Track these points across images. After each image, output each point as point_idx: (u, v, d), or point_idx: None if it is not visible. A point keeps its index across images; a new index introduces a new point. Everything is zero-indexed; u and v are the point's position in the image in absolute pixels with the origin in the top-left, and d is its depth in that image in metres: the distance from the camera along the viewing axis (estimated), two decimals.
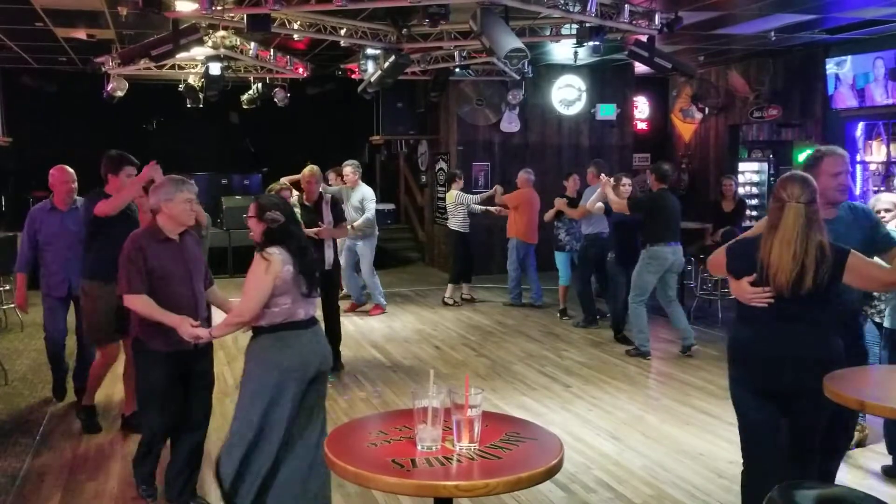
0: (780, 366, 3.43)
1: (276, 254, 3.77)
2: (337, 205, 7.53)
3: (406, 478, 2.31)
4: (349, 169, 10.02)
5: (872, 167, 11.90)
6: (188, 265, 4.31)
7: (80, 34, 10.51)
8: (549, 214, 9.67)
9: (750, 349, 3.55)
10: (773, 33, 10.70)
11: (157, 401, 4.24)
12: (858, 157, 12.11)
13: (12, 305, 9.22)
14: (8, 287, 9.43)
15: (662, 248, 7.58)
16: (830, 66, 11.91)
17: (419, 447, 2.47)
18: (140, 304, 4.09)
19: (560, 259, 9.70)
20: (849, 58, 11.63)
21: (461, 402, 2.47)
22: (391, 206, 16.50)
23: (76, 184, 5.93)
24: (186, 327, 3.99)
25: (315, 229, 7.01)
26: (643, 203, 7.70)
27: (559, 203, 9.37)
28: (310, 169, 7.57)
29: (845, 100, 11.80)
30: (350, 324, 9.72)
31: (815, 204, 3.38)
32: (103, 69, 11.45)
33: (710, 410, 6.15)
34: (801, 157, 12.57)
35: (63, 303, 6.13)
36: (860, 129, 12.01)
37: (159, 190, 4.25)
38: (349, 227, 8.87)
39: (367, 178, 12.12)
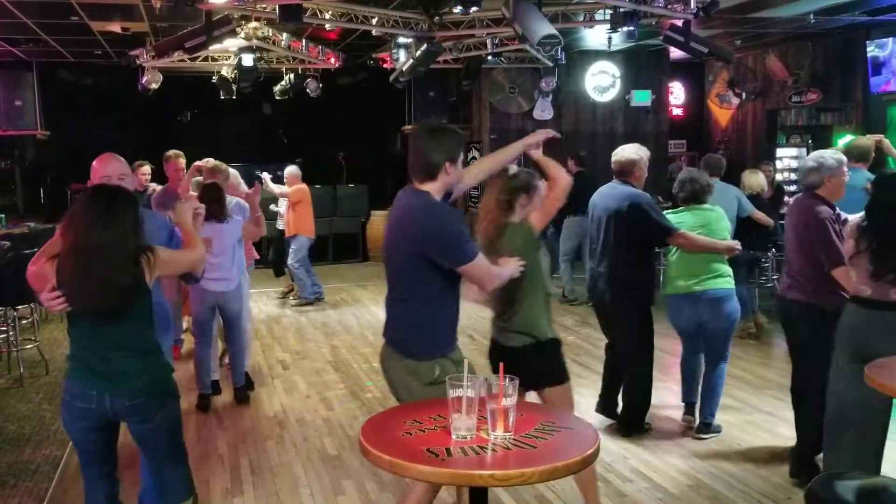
0: None
1: None
2: None
3: (441, 467, 2.30)
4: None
5: None
6: None
7: (115, 27, 10.61)
8: None
9: None
10: (812, 16, 10.49)
11: None
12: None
13: None
14: None
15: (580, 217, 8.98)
16: (871, 49, 11.66)
17: (454, 436, 2.45)
18: None
19: None
20: (890, 40, 11.38)
21: (496, 391, 2.45)
22: None
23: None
24: None
25: None
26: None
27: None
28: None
29: (887, 83, 11.56)
30: (383, 313, 9.71)
31: None
32: (138, 62, 11.55)
33: (748, 400, 6.07)
34: (841, 142, 12.33)
35: None
36: None
37: None
38: None
39: (401, 168, 12.09)
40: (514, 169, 3.97)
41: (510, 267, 3.53)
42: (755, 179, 8.38)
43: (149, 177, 7.69)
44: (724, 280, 5.20)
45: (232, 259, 6.08)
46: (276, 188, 9.75)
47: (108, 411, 3.24)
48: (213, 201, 5.80)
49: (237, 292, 6.18)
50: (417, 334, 3.35)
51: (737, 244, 5.19)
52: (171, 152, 7.24)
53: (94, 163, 3.82)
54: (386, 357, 3.48)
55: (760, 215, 7.63)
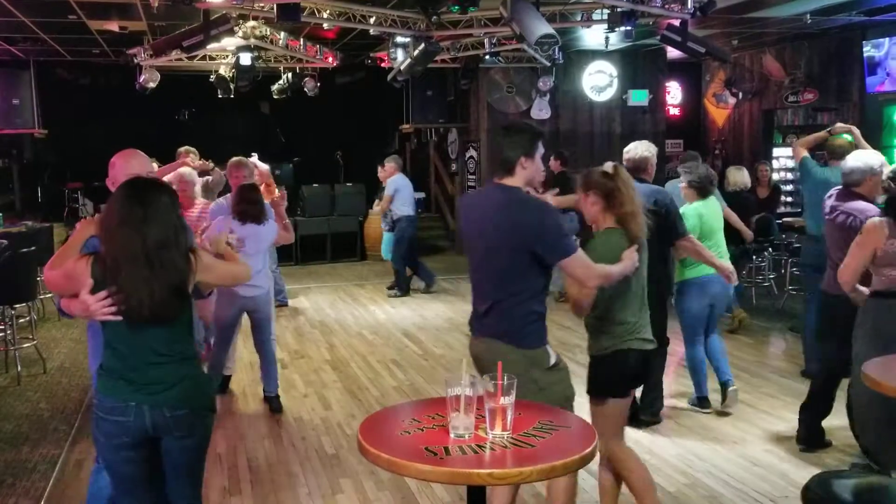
0: None
1: None
2: None
3: (439, 465, 2.30)
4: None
5: None
6: None
7: (113, 26, 10.60)
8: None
9: None
10: (808, 16, 10.51)
11: None
12: None
13: (49, 295, 9.38)
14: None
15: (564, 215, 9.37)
16: (868, 49, 11.68)
17: (452, 435, 2.46)
18: None
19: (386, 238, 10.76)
20: (886, 40, 11.40)
21: (494, 390, 2.46)
22: (421, 195, 16.49)
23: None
24: None
25: None
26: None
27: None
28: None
29: (883, 83, 11.58)
30: (381, 312, 9.76)
31: None
32: (136, 61, 11.55)
33: (744, 398, 6.08)
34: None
35: None
36: None
37: None
38: None
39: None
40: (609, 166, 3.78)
41: (622, 264, 3.47)
42: (739, 176, 8.44)
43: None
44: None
45: (264, 263, 5.88)
46: (264, 167, 9.47)
47: (146, 425, 2.93)
48: (253, 203, 5.71)
49: (267, 297, 6.00)
50: (530, 327, 3.40)
51: (731, 271, 5.35)
52: (184, 148, 7.13)
53: (115, 159, 3.53)
54: (492, 351, 3.36)
55: (730, 213, 7.59)
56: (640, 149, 5.39)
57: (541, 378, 3.36)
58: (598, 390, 3.75)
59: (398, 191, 10.49)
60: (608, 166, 3.70)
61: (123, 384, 2.94)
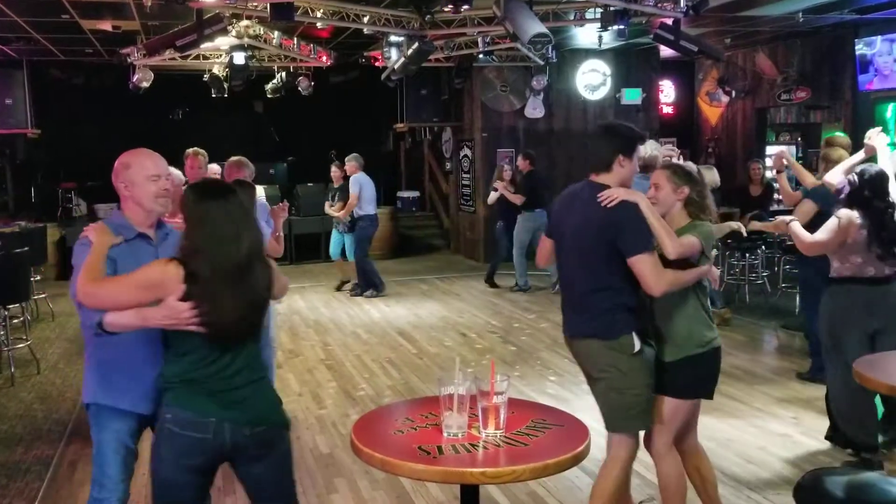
0: None
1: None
2: None
3: (433, 464, 2.31)
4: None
5: None
6: None
7: (106, 26, 10.58)
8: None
9: None
10: (800, 14, 10.54)
11: None
12: (888, 140, 11.91)
13: (43, 295, 9.37)
14: (39, 277, 9.56)
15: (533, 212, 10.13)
16: (860, 47, 11.71)
17: (445, 434, 2.47)
18: None
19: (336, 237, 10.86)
20: (879, 38, 11.43)
21: (487, 389, 2.47)
22: (416, 194, 16.52)
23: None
24: None
25: None
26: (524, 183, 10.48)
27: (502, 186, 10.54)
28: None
29: (875, 81, 11.61)
30: (375, 311, 9.76)
31: None
32: (129, 60, 11.52)
33: (739, 396, 6.10)
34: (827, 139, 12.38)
35: None
36: (891, 110, 11.82)
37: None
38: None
39: (393, 166, 12.14)
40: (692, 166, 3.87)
41: (698, 270, 3.53)
42: (709, 175, 8.57)
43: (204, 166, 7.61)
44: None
45: None
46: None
47: (225, 443, 2.76)
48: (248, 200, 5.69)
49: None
50: (617, 317, 3.46)
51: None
52: (192, 150, 6.94)
53: (127, 159, 3.14)
54: (588, 354, 3.56)
55: None
56: (649, 148, 5.71)
57: (624, 363, 3.45)
58: (696, 390, 3.69)
59: (362, 189, 10.35)
60: (695, 167, 3.87)
61: (204, 398, 2.75)
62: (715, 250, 5.68)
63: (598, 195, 3.40)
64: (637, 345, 3.44)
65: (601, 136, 3.62)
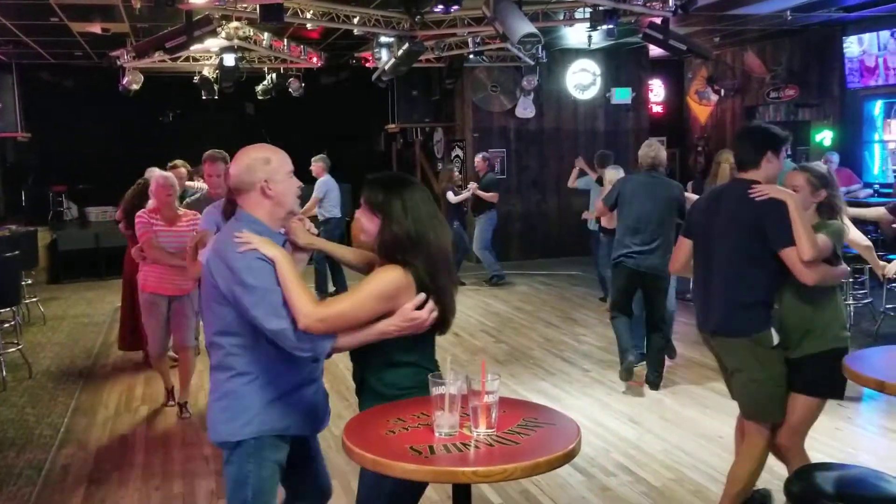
0: None
1: None
2: None
3: (424, 464, 2.32)
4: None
5: (891, 146, 11.79)
6: None
7: (95, 28, 10.56)
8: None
9: None
10: (788, 13, 10.59)
11: None
12: (877, 137, 11.99)
13: (35, 299, 9.34)
14: (30, 281, 9.53)
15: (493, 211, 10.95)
16: (848, 45, 11.78)
17: (437, 434, 2.48)
18: None
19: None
20: (866, 36, 11.50)
21: (478, 388, 2.47)
22: None
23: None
24: None
25: None
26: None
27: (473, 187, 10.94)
28: None
29: (863, 79, 11.68)
30: None
31: None
32: (118, 63, 11.51)
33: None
34: (819, 137, 12.45)
35: None
36: (879, 107, 11.89)
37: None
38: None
39: (384, 167, 12.13)
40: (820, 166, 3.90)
41: (842, 269, 3.71)
42: (613, 174, 8.80)
43: (185, 178, 7.61)
44: None
45: None
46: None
47: None
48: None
49: None
50: (755, 312, 3.67)
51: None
52: (209, 154, 6.71)
53: (260, 152, 3.04)
54: (731, 347, 3.78)
55: None
56: (655, 148, 6.25)
57: (762, 355, 3.66)
58: (833, 389, 3.77)
59: (328, 192, 10.06)
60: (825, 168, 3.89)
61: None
62: None
63: (751, 189, 3.60)
64: (776, 338, 3.63)
65: (748, 136, 3.83)
